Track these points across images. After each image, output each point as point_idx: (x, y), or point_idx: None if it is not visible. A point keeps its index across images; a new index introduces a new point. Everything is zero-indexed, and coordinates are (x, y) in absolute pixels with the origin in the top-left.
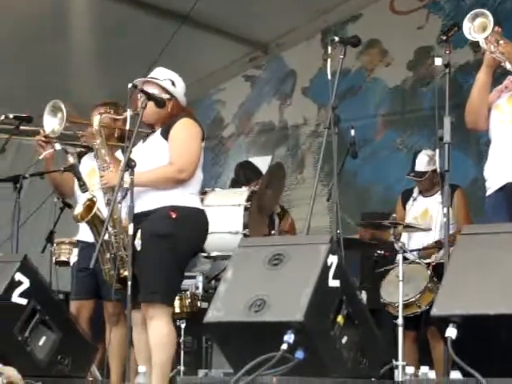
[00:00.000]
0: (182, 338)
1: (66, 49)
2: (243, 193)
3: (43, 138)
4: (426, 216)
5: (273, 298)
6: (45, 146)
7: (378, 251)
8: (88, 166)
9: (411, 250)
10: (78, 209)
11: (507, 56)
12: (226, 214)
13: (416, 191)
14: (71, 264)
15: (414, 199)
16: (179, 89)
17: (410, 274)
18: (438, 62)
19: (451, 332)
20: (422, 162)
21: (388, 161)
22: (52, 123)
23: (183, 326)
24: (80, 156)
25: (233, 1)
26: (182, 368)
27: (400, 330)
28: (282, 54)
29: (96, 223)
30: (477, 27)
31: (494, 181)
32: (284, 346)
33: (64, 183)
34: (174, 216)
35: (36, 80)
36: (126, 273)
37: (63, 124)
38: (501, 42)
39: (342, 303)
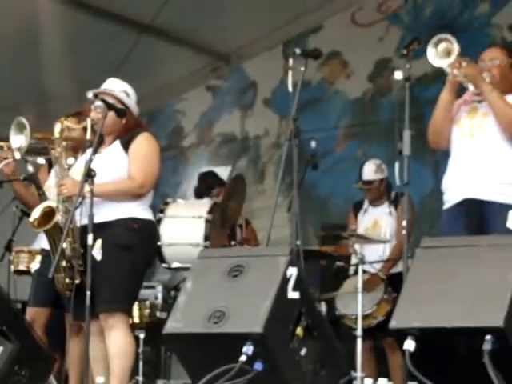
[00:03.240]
0: (141, 348)
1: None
2: (205, 204)
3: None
4: (376, 227)
5: (232, 309)
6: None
7: (338, 263)
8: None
9: (370, 262)
10: (35, 214)
11: (470, 79)
12: (187, 225)
13: (366, 202)
14: (32, 271)
15: (365, 210)
16: (133, 100)
17: (365, 286)
18: (398, 75)
19: (409, 344)
20: (370, 171)
21: (348, 172)
22: (19, 140)
23: (142, 336)
24: (50, 166)
25: (194, 11)
26: (140, 378)
27: (359, 341)
28: (243, 64)
29: (53, 231)
30: (441, 52)
31: (452, 195)
32: (243, 358)
33: (29, 195)
34: (135, 228)
35: None
36: (76, 281)
37: (28, 140)
38: (463, 63)
39: (301, 315)
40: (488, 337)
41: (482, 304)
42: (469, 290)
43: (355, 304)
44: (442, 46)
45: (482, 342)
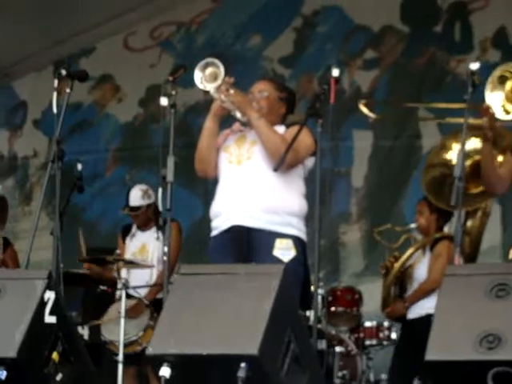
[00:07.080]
0: None
1: None
2: None
3: None
4: (144, 251)
5: None
6: None
7: (101, 287)
8: None
9: (134, 287)
10: None
11: (237, 105)
12: None
13: (134, 227)
14: None
15: (133, 235)
16: None
17: (130, 312)
18: (164, 101)
19: (165, 371)
20: (136, 197)
21: (117, 196)
22: None
23: None
24: None
25: None
26: None
27: (120, 367)
28: (11, 83)
29: None
30: (208, 76)
31: (220, 222)
32: None
33: None
34: None
35: None
36: None
37: None
38: (231, 91)
39: (57, 340)
40: (243, 364)
41: (238, 332)
42: (225, 317)
43: (119, 330)
44: (210, 70)
45: (237, 369)
